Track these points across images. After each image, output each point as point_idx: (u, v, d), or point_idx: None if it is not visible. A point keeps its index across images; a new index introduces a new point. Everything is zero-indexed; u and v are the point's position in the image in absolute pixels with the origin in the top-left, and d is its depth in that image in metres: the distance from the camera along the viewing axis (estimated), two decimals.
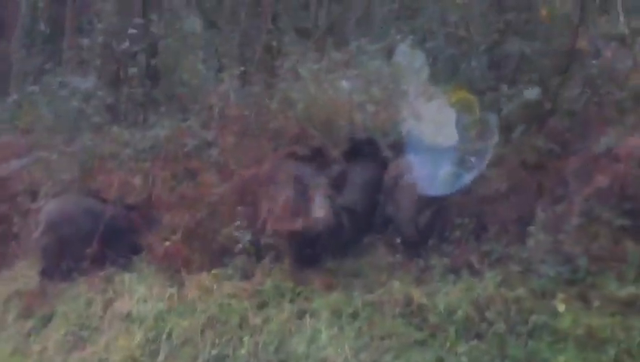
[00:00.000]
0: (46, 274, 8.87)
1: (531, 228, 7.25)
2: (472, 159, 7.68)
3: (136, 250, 8.84)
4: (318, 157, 8.73)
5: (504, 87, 8.08)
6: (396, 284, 7.36)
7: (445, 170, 7.74)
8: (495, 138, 7.69)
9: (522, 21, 8.64)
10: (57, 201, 9.22)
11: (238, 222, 8.30)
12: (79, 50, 11.94)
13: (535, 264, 7.05)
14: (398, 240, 8.08)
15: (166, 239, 8.57)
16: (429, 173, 7.86)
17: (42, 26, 13.63)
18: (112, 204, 9.03)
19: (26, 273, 9.34)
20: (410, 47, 9.27)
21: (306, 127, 9.21)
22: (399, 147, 8.46)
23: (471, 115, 7.94)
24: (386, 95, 9.28)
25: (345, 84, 9.63)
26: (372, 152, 8.76)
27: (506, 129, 7.84)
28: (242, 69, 10.53)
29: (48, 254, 8.90)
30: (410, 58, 9.11)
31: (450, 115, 7.99)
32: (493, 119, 7.81)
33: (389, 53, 9.91)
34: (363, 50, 10.31)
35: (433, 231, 7.93)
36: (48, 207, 9.10)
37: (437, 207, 7.95)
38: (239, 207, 8.41)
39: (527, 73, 8.10)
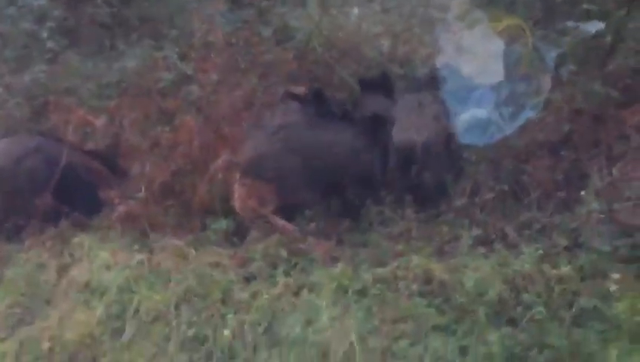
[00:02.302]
0: None
1: (582, 193, 7.19)
2: (519, 103, 7.61)
3: (97, 206, 8.79)
4: (317, 99, 8.66)
5: (555, 21, 7.97)
6: (414, 256, 7.29)
7: (480, 116, 7.68)
8: (549, 78, 7.59)
9: None
10: (3, 143, 9.13)
11: (219, 175, 8.26)
12: None
13: (585, 237, 7.01)
14: (416, 203, 8.04)
15: (134, 194, 8.52)
16: (458, 119, 7.80)
17: None
18: (71, 147, 8.94)
19: None
20: None
21: (306, 62, 9.13)
22: (422, 87, 8.39)
23: (522, 46, 7.82)
24: (408, 24, 9.19)
25: (356, 10, 9.53)
26: (385, 90, 8.71)
27: (557, 69, 7.74)
28: None
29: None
30: None
31: (496, 45, 7.87)
32: (549, 52, 7.70)
33: None
34: None
35: (460, 192, 7.88)
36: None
37: (466, 162, 7.90)
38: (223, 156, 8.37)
39: (584, 2, 7.96)
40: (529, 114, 7.59)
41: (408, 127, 8.32)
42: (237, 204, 8.18)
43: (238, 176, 8.20)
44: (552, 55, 7.75)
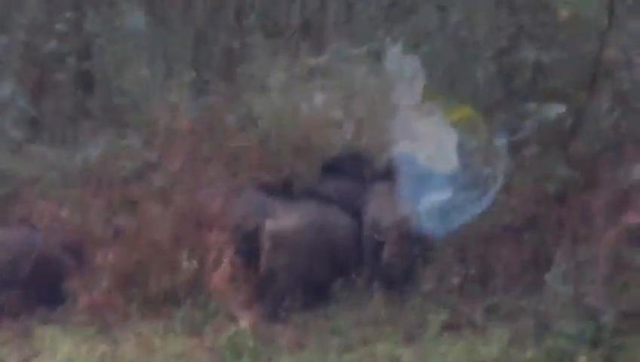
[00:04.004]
0: None
1: (548, 276, 7.22)
2: (477, 190, 7.68)
3: (60, 296, 8.71)
4: (285, 187, 8.75)
5: (516, 103, 8.10)
6: (381, 343, 7.27)
7: (443, 201, 7.74)
8: (504, 164, 7.70)
9: (537, 24, 8.68)
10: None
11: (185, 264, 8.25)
12: None
13: (552, 320, 7.02)
14: (383, 288, 8.06)
15: (97, 284, 8.45)
16: (422, 205, 7.86)
17: None
18: (46, 237, 8.88)
19: None
20: (402, 52, 9.27)
21: (271, 149, 9.20)
22: (387, 174, 8.48)
23: (476, 137, 7.95)
24: (371, 111, 9.29)
25: (320, 96, 9.63)
26: (354, 173, 8.81)
27: (519, 153, 7.84)
28: (195, 75, 10.49)
29: None
30: (402, 65, 9.12)
31: (451, 136, 8.00)
32: (502, 143, 7.83)
33: (376, 59, 9.92)
34: (343, 56, 10.32)
35: (428, 277, 7.91)
36: None
37: (432, 248, 7.95)
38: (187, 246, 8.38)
39: (544, 87, 8.11)
40: (487, 200, 7.66)
41: (377, 211, 8.42)
42: (215, 281, 8.16)
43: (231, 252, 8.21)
44: (504, 143, 7.87)
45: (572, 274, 7.18)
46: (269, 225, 8.28)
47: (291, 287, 8.20)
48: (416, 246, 8.13)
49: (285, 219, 8.32)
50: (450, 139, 8.01)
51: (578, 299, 7.02)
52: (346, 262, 8.40)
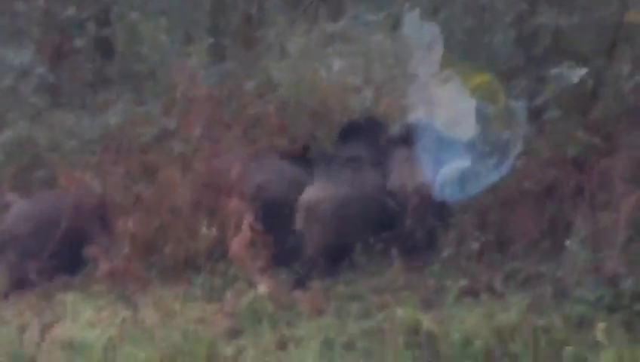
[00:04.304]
0: None
1: (567, 242, 7.22)
2: (495, 156, 7.67)
3: (81, 263, 8.77)
4: (304, 153, 8.77)
5: (536, 68, 8.06)
6: (400, 308, 7.30)
7: (462, 168, 7.74)
8: (523, 130, 7.68)
9: None
10: (23, 204, 9.21)
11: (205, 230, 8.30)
12: (13, 16, 11.85)
13: (571, 286, 7.03)
14: (403, 253, 8.09)
15: (117, 250, 8.52)
16: (441, 172, 7.86)
17: None
18: (68, 204, 8.96)
19: None
20: (421, 17, 9.23)
21: (289, 114, 9.20)
22: (406, 140, 8.47)
23: (494, 103, 7.93)
24: (389, 76, 9.26)
25: (339, 62, 9.61)
26: (373, 139, 8.80)
27: (538, 118, 7.81)
28: (214, 41, 10.48)
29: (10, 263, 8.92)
30: (420, 31, 9.08)
31: (469, 103, 7.98)
32: (521, 109, 7.81)
33: (394, 25, 9.89)
34: (362, 21, 10.29)
35: (447, 243, 7.92)
36: (18, 206, 9.13)
37: (451, 214, 7.95)
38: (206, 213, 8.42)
39: (564, 52, 8.06)
40: (506, 166, 7.65)
41: (397, 178, 8.42)
42: (234, 247, 8.22)
43: (250, 218, 8.27)
44: (523, 109, 7.84)
45: (592, 240, 7.17)
46: (305, 195, 8.30)
47: (317, 255, 8.25)
48: (435, 213, 8.14)
49: (318, 189, 8.32)
50: (469, 105, 7.99)
51: (598, 265, 7.02)
52: (367, 228, 8.41)
